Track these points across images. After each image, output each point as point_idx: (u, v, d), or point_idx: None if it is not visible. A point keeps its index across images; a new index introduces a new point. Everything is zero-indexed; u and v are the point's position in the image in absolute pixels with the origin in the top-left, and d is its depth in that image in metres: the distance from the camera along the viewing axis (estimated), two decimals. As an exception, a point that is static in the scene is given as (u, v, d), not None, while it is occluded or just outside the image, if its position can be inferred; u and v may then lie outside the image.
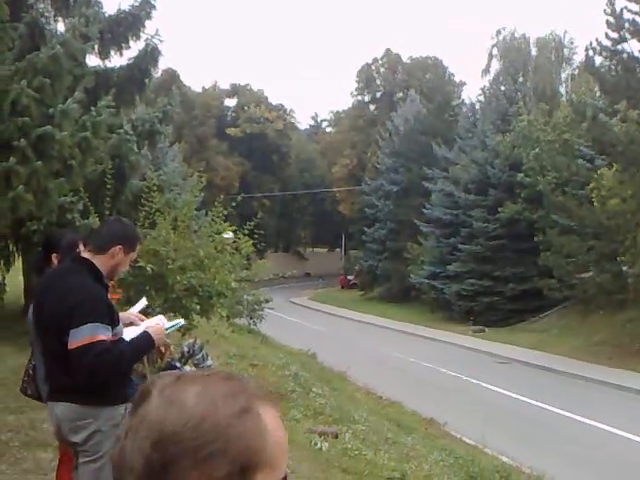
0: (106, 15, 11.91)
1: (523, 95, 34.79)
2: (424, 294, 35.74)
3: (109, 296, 3.50)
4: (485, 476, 8.63)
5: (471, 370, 19.38)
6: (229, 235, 9.96)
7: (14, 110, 7.79)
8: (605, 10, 19.63)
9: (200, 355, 9.37)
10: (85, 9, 10.65)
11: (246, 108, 60.59)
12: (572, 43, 44.62)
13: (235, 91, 63.97)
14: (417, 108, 42.92)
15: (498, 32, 45.83)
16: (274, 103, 63.51)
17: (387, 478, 6.57)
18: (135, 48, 12.10)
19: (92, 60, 11.57)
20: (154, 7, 12.13)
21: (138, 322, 3.60)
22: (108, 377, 3.15)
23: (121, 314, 3.47)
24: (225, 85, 64.78)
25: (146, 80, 12.09)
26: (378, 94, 60.31)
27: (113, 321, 3.22)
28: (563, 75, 43.95)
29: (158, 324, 3.54)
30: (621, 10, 19.45)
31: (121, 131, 10.37)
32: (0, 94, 7.72)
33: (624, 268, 21.62)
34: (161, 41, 11.94)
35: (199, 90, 62.06)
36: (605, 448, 12.08)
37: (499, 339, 25.86)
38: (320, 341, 21.94)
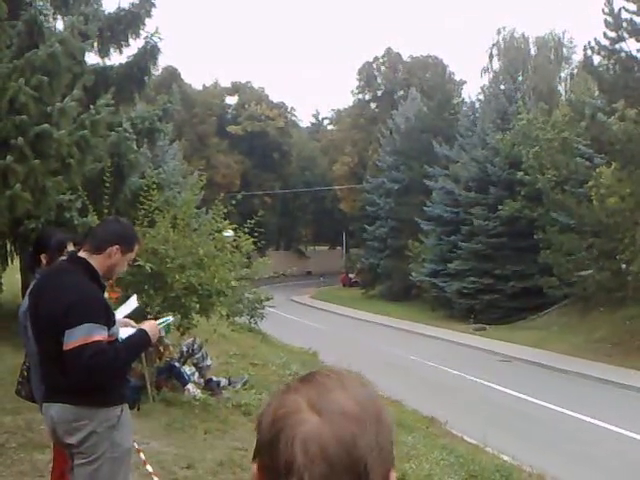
0: (105, 13, 11.87)
1: (522, 94, 34.82)
2: (425, 292, 35.75)
3: (107, 295, 3.47)
4: (486, 475, 8.60)
5: (472, 368, 19.37)
6: (229, 233, 9.92)
7: (12, 108, 7.76)
8: (603, 10, 19.62)
9: (199, 354, 9.36)
10: (84, 7, 10.64)
11: (247, 106, 60.50)
12: (571, 42, 44.76)
13: (236, 89, 63.87)
14: (418, 106, 42.87)
15: (498, 31, 46.14)
16: (275, 101, 63.46)
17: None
18: (135, 46, 12.09)
19: (91, 58, 11.57)
20: (154, 5, 12.09)
21: (134, 324, 3.56)
22: (104, 378, 3.11)
23: (118, 319, 3.43)
24: (226, 83, 64.72)
25: (146, 78, 12.05)
26: (379, 92, 60.22)
27: (109, 321, 3.18)
28: (562, 74, 44.05)
29: (151, 322, 3.51)
30: (619, 10, 19.43)
31: (120, 129, 10.33)
32: (-2, 92, 7.70)
33: (623, 266, 21.62)
34: (161, 39, 11.91)
35: (200, 88, 61.99)
36: (605, 446, 12.07)
37: (500, 337, 25.85)
38: (321, 339, 21.93)
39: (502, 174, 31.12)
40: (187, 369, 8.96)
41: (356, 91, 61.12)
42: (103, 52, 11.83)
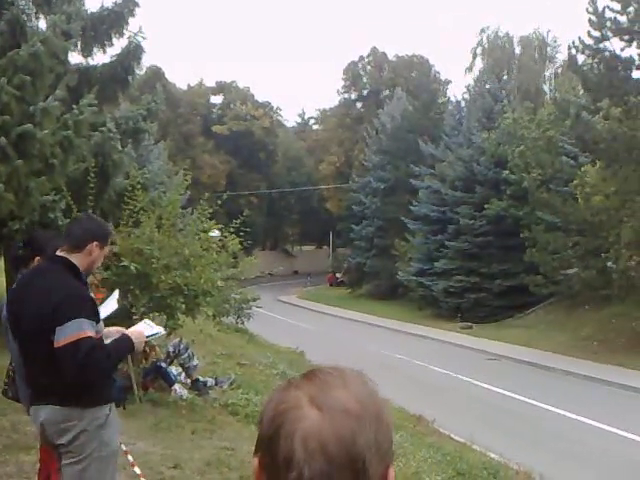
0: (88, 12, 11.76)
1: (507, 93, 34.97)
2: (412, 291, 35.80)
3: (93, 295, 3.49)
4: (473, 473, 8.63)
5: (459, 367, 19.42)
6: (215, 233, 9.89)
7: (-6, 108, 7.69)
8: (587, 9, 19.72)
9: (186, 355, 9.32)
10: (67, 6, 10.52)
11: (232, 106, 60.34)
12: (555, 42, 44.99)
13: (221, 89, 63.66)
14: (403, 106, 42.96)
15: (482, 30, 46.03)
16: (260, 101, 63.32)
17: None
18: (118, 46, 12.00)
19: (74, 58, 11.47)
20: (137, 4, 12.01)
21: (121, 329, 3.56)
22: (96, 375, 3.14)
23: (106, 329, 3.44)
24: (211, 83, 64.39)
25: (130, 78, 11.99)
26: (365, 92, 60.30)
27: (97, 318, 3.24)
28: (547, 73, 44.30)
29: (139, 330, 3.54)
30: (603, 9, 19.52)
31: (104, 129, 10.25)
32: (-20, 92, 7.62)
33: (608, 264, 21.75)
34: (145, 38, 11.86)
35: (184, 88, 61.70)
36: (591, 443, 12.15)
37: (486, 335, 25.95)
38: (308, 339, 21.92)
39: (488, 173, 31.24)
40: (174, 369, 8.92)
41: (342, 90, 61.20)
42: (86, 52, 11.74)
